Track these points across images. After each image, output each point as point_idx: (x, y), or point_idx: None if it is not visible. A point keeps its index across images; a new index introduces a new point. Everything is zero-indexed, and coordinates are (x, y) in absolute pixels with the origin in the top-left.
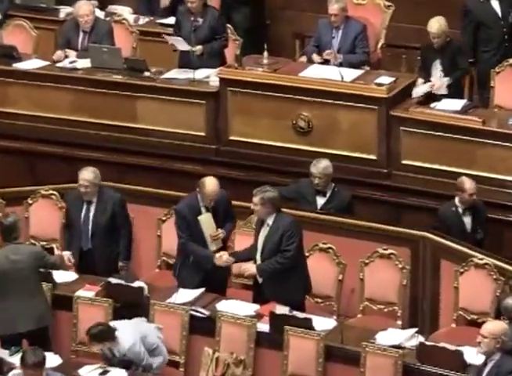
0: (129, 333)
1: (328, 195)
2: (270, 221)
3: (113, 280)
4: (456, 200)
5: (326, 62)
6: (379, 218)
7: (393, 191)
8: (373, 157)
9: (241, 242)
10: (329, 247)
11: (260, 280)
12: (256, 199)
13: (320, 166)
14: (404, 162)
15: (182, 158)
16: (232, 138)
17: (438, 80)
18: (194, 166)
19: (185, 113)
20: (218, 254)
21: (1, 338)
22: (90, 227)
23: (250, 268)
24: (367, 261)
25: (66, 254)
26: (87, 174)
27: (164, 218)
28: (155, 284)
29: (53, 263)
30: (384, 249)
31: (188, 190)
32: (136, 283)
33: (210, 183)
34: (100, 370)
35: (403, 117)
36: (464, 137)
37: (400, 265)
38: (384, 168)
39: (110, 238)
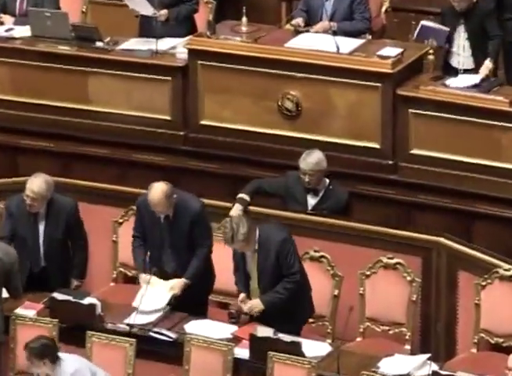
0: (75, 359)
1: (321, 194)
2: (255, 246)
3: (59, 296)
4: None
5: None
6: (383, 221)
7: (400, 187)
8: (375, 145)
9: (217, 251)
10: (323, 256)
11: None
12: (237, 245)
13: (311, 160)
14: (413, 152)
15: (142, 147)
16: (203, 122)
17: (485, 68)
18: (158, 157)
19: (147, 92)
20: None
21: None
22: (41, 244)
23: (256, 305)
24: (368, 272)
25: None
26: (37, 185)
27: (120, 221)
28: (110, 301)
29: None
30: (389, 258)
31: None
32: (87, 300)
33: (154, 192)
34: None
35: (412, 96)
36: (487, 121)
37: (409, 278)
38: (390, 160)
39: (66, 254)
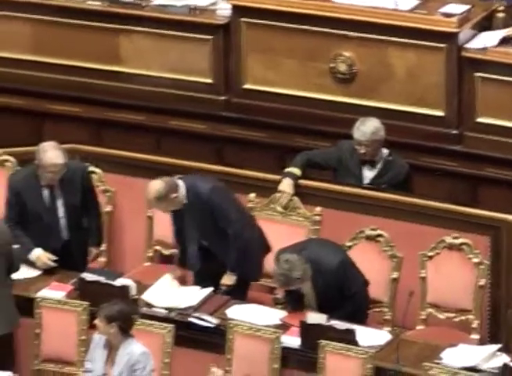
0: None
1: (378, 166)
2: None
3: (89, 277)
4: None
5: None
6: (446, 196)
7: (466, 159)
8: (438, 113)
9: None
10: (380, 235)
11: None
12: (294, 287)
13: (366, 130)
14: (480, 120)
15: (179, 113)
16: (246, 86)
17: None
18: (196, 124)
19: (185, 52)
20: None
21: None
22: (62, 216)
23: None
24: (431, 253)
25: (42, 253)
26: (56, 156)
27: None
28: (145, 282)
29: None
30: (454, 237)
31: (188, 156)
32: (119, 281)
33: (148, 191)
34: None
35: (480, 59)
36: None
37: (476, 259)
38: (454, 129)
39: (84, 223)
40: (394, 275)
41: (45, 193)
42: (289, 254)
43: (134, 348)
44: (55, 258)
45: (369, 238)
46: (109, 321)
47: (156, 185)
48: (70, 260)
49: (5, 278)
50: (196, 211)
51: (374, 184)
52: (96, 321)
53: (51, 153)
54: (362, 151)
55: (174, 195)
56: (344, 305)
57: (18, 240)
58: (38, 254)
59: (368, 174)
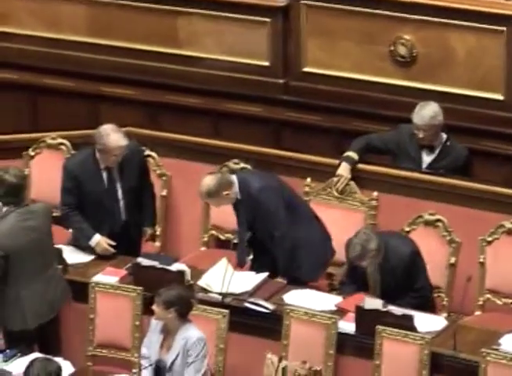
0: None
1: (437, 150)
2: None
3: (144, 262)
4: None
5: None
6: (506, 181)
7: None
8: (499, 96)
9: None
10: (438, 220)
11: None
12: (366, 262)
13: (426, 114)
14: None
15: (237, 97)
16: (306, 69)
17: None
18: (254, 108)
19: (242, 35)
20: None
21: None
22: (121, 199)
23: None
24: (490, 238)
25: (101, 239)
26: (121, 138)
27: None
28: (200, 268)
29: None
30: None
31: (244, 140)
32: (175, 266)
33: (201, 187)
34: None
35: None
36: None
37: None
38: None
39: (141, 205)
40: (452, 260)
41: (104, 175)
42: (367, 229)
43: (191, 333)
44: (114, 243)
45: (427, 223)
46: (167, 306)
47: (209, 180)
48: (127, 242)
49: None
50: (247, 208)
51: (432, 169)
52: (154, 306)
53: (114, 136)
54: (421, 136)
55: (226, 192)
56: (408, 296)
57: (77, 225)
58: (98, 240)
59: (426, 158)
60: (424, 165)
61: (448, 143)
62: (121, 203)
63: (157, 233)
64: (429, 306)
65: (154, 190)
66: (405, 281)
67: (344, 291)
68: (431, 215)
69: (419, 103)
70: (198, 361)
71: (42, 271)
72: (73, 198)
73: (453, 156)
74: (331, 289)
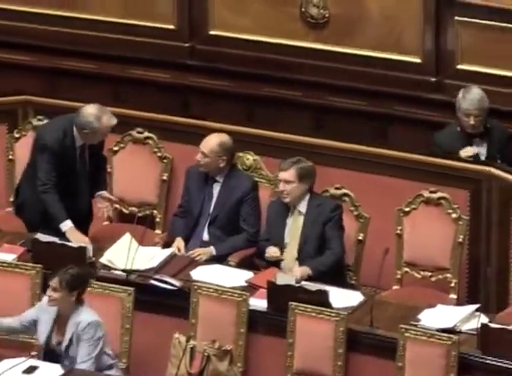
0: (93, 312)
1: (485, 138)
2: (303, 207)
3: (43, 237)
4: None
5: None
6: (422, 147)
7: (444, 108)
8: (416, 59)
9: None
10: (345, 194)
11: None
12: (288, 174)
13: (474, 98)
14: (460, 67)
15: (141, 62)
16: (213, 32)
17: None
18: (159, 73)
19: None
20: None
21: None
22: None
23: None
24: (407, 209)
25: (71, 225)
26: (111, 118)
27: (115, 148)
28: (103, 243)
29: None
30: (432, 192)
31: (150, 107)
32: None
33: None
34: (25, 366)
35: (459, 2)
36: None
37: (454, 215)
38: (433, 76)
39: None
40: (360, 236)
41: (77, 153)
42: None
43: (82, 317)
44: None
45: (334, 198)
46: (63, 290)
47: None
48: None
49: None
50: (228, 193)
51: (490, 158)
52: (48, 291)
53: (104, 118)
54: (472, 122)
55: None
56: (325, 255)
57: (53, 205)
58: (70, 227)
59: (482, 150)
60: (483, 158)
61: (488, 126)
62: (87, 182)
63: None
64: (342, 274)
65: None
66: (322, 237)
67: (262, 246)
68: (337, 189)
69: (461, 90)
70: (91, 346)
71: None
72: (53, 176)
73: (498, 137)
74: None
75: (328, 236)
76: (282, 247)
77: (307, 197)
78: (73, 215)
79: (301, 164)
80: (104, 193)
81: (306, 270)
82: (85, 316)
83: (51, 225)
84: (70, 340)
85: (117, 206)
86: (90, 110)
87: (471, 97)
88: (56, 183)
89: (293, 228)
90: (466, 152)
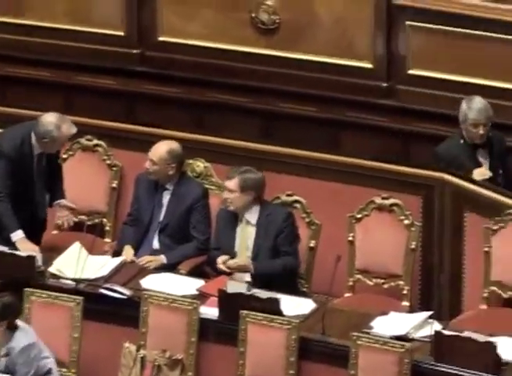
0: (30, 331)
1: (488, 147)
2: (252, 217)
3: None
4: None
5: None
6: (375, 154)
7: (396, 114)
8: (367, 64)
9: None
10: (296, 201)
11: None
12: (232, 183)
13: (480, 107)
14: (412, 72)
15: (90, 69)
16: (162, 38)
17: None
18: (108, 80)
19: (94, 1)
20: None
21: None
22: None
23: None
24: (359, 215)
25: (22, 235)
26: (70, 126)
27: (64, 156)
28: (53, 252)
29: None
30: (384, 198)
31: (98, 114)
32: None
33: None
34: None
35: (411, 6)
36: (500, 35)
37: (407, 221)
38: (384, 81)
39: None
40: (312, 243)
41: (35, 161)
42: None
43: (15, 344)
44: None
45: (285, 205)
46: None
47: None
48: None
49: None
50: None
51: (493, 169)
52: None
53: (64, 126)
54: (481, 132)
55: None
56: (276, 262)
57: (6, 213)
58: (21, 237)
59: (485, 161)
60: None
61: (490, 134)
62: (44, 191)
63: None
64: (293, 282)
65: None
66: (275, 246)
67: (212, 255)
68: (289, 195)
69: (463, 100)
70: (27, 367)
71: None
72: (8, 184)
73: (498, 145)
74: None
75: (281, 249)
76: (232, 256)
77: (257, 207)
78: (29, 223)
79: (246, 174)
80: (63, 201)
81: (248, 265)
82: (17, 342)
83: (2, 234)
84: (7, 367)
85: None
86: (49, 119)
87: (478, 106)
88: (11, 192)
89: (243, 238)
90: (482, 175)
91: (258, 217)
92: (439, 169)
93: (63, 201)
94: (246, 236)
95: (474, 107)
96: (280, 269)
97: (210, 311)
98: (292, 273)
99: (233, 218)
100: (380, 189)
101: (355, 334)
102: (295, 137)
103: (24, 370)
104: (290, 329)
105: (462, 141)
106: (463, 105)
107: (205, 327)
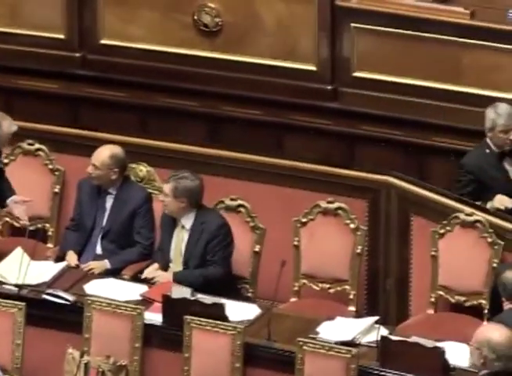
0: None
1: None
2: (187, 222)
3: None
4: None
5: None
6: (320, 157)
7: (341, 117)
8: (311, 67)
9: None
10: (241, 205)
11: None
12: (167, 186)
13: (508, 111)
14: (356, 74)
15: (30, 72)
16: (104, 41)
17: None
18: (49, 84)
19: (34, 3)
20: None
21: None
22: None
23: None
24: (304, 219)
25: None
26: (11, 124)
27: (5, 161)
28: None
29: None
30: (329, 202)
31: (40, 118)
32: None
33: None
34: None
35: (355, 8)
36: (444, 37)
37: (352, 225)
38: (328, 84)
39: None
40: (257, 248)
41: None
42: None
43: None
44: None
45: (229, 209)
46: None
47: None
48: None
49: None
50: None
51: None
52: None
53: (5, 124)
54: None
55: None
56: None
57: None
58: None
59: (511, 168)
60: None
61: None
62: None
63: None
64: (234, 288)
65: None
66: (204, 253)
67: (157, 258)
68: (233, 200)
69: (489, 106)
70: None
71: None
72: None
73: None
74: None
75: (208, 257)
76: (169, 260)
77: (193, 213)
78: None
79: (181, 180)
80: (15, 197)
81: (163, 274)
82: None
83: None
84: None
85: (8, 219)
86: None
87: (506, 112)
88: None
89: (177, 242)
90: (502, 204)
91: (193, 223)
92: (385, 172)
93: (15, 197)
94: (180, 241)
95: (502, 113)
96: (201, 279)
97: (155, 316)
98: (218, 282)
99: (172, 222)
100: (326, 192)
101: (301, 339)
102: (239, 140)
103: None
104: (235, 334)
105: (488, 150)
106: (490, 112)
107: (149, 333)
